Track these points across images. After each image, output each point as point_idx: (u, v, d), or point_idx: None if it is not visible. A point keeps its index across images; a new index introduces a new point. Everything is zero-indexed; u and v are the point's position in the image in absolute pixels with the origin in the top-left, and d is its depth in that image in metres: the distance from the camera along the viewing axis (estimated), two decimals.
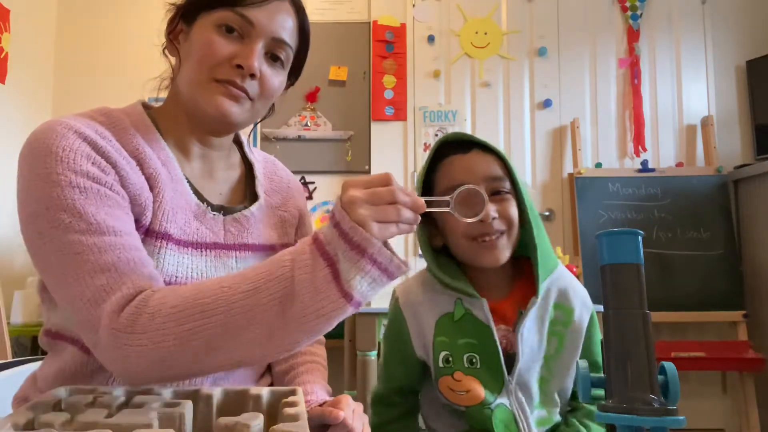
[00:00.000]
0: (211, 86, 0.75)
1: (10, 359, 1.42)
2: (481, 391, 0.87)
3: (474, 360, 0.89)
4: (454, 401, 0.90)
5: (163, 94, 0.87)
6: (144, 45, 2.88)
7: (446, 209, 0.64)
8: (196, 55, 0.75)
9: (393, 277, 0.60)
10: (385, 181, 0.58)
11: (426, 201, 0.60)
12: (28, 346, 2.50)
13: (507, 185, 0.90)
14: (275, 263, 0.61)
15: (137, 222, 0.70)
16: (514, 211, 0.89)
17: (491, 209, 0.86)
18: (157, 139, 0.77)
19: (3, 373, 1.02)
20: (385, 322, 1.92)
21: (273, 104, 0.89)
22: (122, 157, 0.71)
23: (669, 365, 0.53)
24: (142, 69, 2.86)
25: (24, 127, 2.65)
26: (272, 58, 0.79)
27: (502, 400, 0.87)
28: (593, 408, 0.91)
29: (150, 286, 0.64)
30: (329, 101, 2.85)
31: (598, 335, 0.96)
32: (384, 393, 1.00)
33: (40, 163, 0.65)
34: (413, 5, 2.85)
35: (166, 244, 0.73)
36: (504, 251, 0.88)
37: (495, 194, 0.89)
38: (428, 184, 0.94)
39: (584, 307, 0.94)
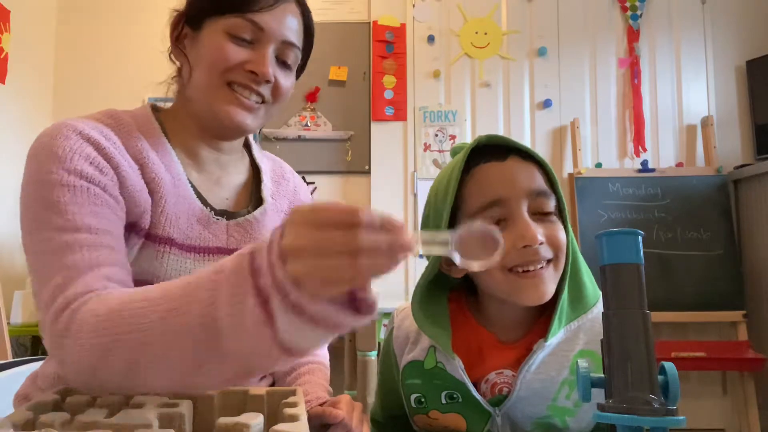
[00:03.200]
0: (224, 93, 0.75)
1: (10, 359, 1.42)
2: (462, 425, 0.75)
3: (455, 395, 0.75)
4: None
5: (169, 94, 0.87)
6: (144, 45, 2.89)
7: (444, 249, 0.44)
8: (208, 61, 0.75)
9: (350, 326, 0.46)
10: (349, 221, 0.40)
11: (423, 239, 0.44)
12: (28, 346, 2.50)
13: (553, 203, 0.72)
14: (202, 280, 0.50)
15: (135, 226, 0.71)
16: (562, 235, 0.71)
17: (538, 232, 0.68)
18: (163, 144, 0.77)
19: (3, 373, 1.02)
20: (385, 322, 1.93)
21: None
22: (125, 160, 0.71)
23: (669, 365, 0.53)
24: (142, 69, 2.87)
25: (24, 127, 2.64)
26: (282, 61, 0.79)
27: (488, 428, 0.75)
28: None
29: (103, 287, 0.60)
30: (329, 101, 2.85)
31: None
32: (380, 414, 0.94)
33: (39, 163, 0.67)
34: (413, 5, 2.85)
35: (169, 248, 0.73)
36: (549, 284, 0.70)
37: (540, 214, 0.71)
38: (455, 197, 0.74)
39: None
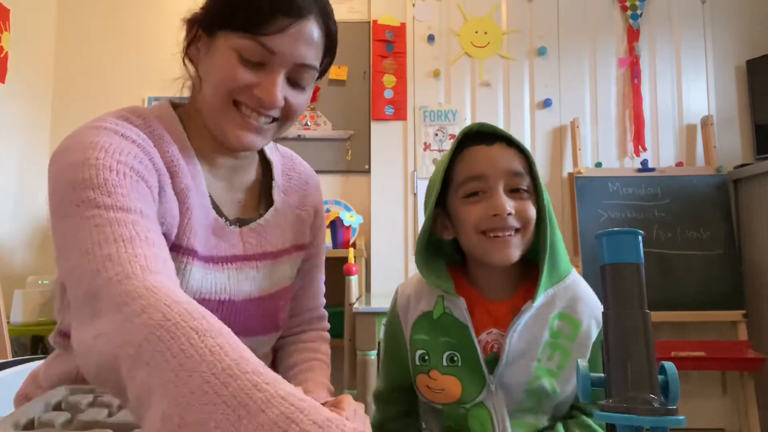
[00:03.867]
0: (232, 114, 0.72)
1: (10, 359, 1.42)
2: (457, 390, 0.85)
3: (455, 358, 0.86)
4: (430, 399, 0.88)
5: (170, 93, 0.84)
6: (144, 45, 2.89)
7: None
8: (215, 79, 0.71)
9: None
10: None
11: None
12: (28, 345, 2.50)
13: (527, 183, 0.85)
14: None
15: (164, 235, 0.67)
16: (531, 211, 0.85)
17: (508, 205, 0.82)
18: (189, 150, 0.75)
19: (3, 372, 1.02)
20: (385, 321, 1.93)
21: None
22: (163, 166, 0.69)
23: (669, 365, 0.53)
24: (143, 69, 2.87)
25: (24, 127, 2.65)
26: (295, 82, 0.75)
27: (482, 400, 0.84)
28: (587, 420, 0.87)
29: (167, 276, 0.55)
30: (329, 101, 2.84)
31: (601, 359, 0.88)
32: (383, 390, 1.00)
33: (81, 153, 0.61)
34: (413, 5, 2.84)
35: (192, 260, 0.72)
36: (515, 250, 0.83)
37: (514, 191, 0.85)
38: (447, 173, 0.89)
39: (595, 322, 0.87)
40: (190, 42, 0.76)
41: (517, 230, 0.84)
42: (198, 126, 0.78)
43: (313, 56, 0.74)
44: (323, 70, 0.81)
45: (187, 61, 0.78)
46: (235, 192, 0.84)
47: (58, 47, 2.92)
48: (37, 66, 2.78)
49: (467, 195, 0.86)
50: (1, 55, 2.46)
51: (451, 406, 0.86)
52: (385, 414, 1.00)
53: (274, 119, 0.75)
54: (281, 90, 0.72)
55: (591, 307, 0.88)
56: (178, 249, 0.70)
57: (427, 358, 0.87)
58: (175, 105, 0.80)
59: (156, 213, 0.65)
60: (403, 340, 0.92)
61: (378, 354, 2.00)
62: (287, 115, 0.76)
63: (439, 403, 0.87)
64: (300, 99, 0.76)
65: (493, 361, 0.84)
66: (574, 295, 0.88)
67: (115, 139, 0.64)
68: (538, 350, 0.84)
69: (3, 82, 2.48)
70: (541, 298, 0.85)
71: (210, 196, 0.77)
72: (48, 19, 2.88)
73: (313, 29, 0.72)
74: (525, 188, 0.85)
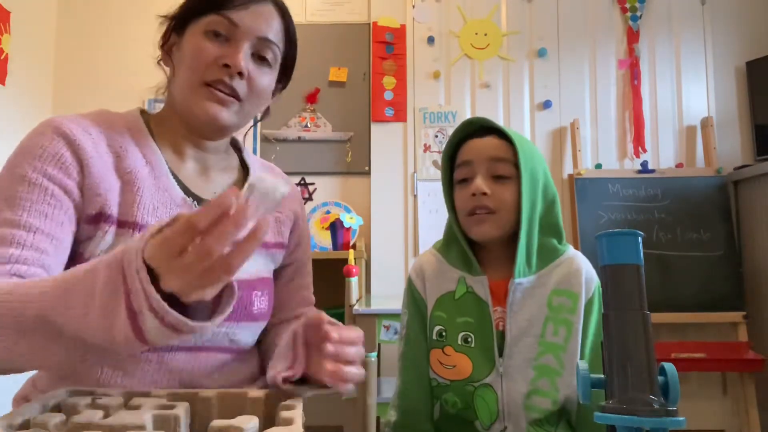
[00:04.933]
0: (201, 91, 0.78)
1: None
2: (468, 368, 0.91)
3: (469, 339, 0.94)
4: (440, 374, 0.94)
5: (161, 95, 0.90)
6: (144, 46, 2.89)
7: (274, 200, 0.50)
8: (187, 61, 0.78)
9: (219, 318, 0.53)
10: (193, 231, 0.47)
11: (255, 202, 0.48)
12: None
13: (508, 169, 0.93)
14: (78, 284, 0.54)
15: (102, 215, 0.73)
16: (507, 194, 0.93)
17: (485, 186, 0.92)
18: (146, 139, 0.81)
19: None
20: (386, 323, 1.92)
21: (268, 107, 0.92)
22: (96, 150, 0.74)
23: (669, 366, 0.53)
24: (142, 70, 2.86)
25: (24, 129, 2.64)
26: (260, 58, 0.81)
27: (490, 382, 0.90)
28: None
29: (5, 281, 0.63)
30: (329, 102, 2.84)
31: (597, 313, 0.94)
32: (406, 413, 0.98)
33: (15, 155, 0.74)
34: (413, 6, 2.85)
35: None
36: (490, 229, 0.93)
37: (498, 178, 0.94)
38: (454, 161, 1.00)
39: (593, 288, 0.94)
40: (164, 44, 0.84)
41: (491, 211, 0.93)
42: (170, 124, 0.84)
43: (273, 35, 0.81)
44: (287, 69, 0.88)
45: (162, 63, 0.86)
46: (213, 184, 0.87)
47: (58, 50, 2.92)
48: (37, 68, 2.79)
49: (459, 181, 0.97)
50: (2, 58, 2.46)
51: (459, 382, 0.92)
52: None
53: (238, 98, 0.79)
54: (245, 58, 0.78)
55: (587, 278, 0.95)
56: (129, 225, 0.75)
57: (444, 334, 0.95)
58: (146, 112, 0.87)
59: (68, 213, 0.72)
60: (426, 310, 0.99)
61: (378, 355, 2.00)
62: (251, 90, 0.80)
63: (448, 378, 0.93)
64: (263, 78, 0.81)
65: (501, 339, 0.92)
66: (568, 271, 0.95)
67: (45, 139, 0.73)
68: (540, 326, 0.92)
69: (3, 84, 2.48)
70: (533, 278, 0.94)
71: (178, 179, 0.81)
72: (48, 22, 2.88)
73: (272, 12, 0.81)
74: (506, 174, 0.93)
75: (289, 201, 0.96)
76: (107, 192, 0.74)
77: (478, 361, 0.92)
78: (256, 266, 0.88)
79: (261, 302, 0.88)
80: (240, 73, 0.77)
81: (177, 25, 0.82)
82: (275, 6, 0.83)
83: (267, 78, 0.83)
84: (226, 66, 0.77)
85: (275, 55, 0.83)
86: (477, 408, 0.90)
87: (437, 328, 0.96)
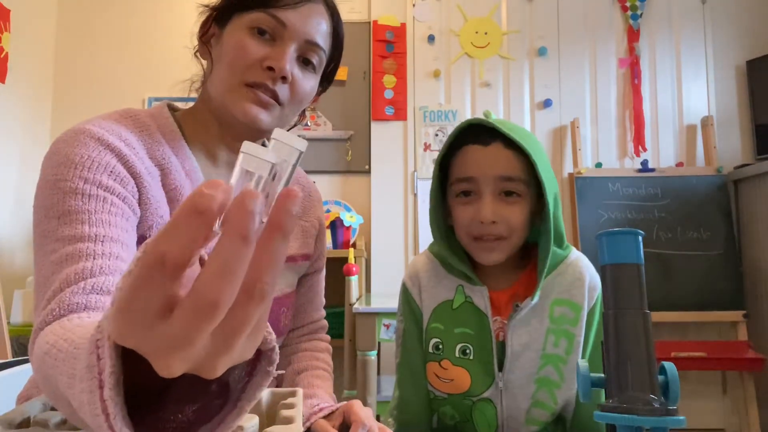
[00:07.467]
0: (242, 91, 0.73)
1: (10, 359, 1.42)
2: (466, 382, 0.86)
3: (468, 351, 0.88)
4: (437, 387, 0.89)
5: (177, 93, 0.86)
6: (144, 45, 2.88)
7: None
8: (228, 58, 0.73)
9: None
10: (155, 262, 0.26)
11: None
12: (27, 345, 2.49)
13: (520, 188, 0.83)
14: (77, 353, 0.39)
15: (145, 237, 0.68)
16: (518, 217, 0.83)
17: (493, 213, 0.82)
18: (183, 148, 0.75)
19: (3, 372, 1.02)
20: (386, 321, 1.93)
21: (304, 111, 0.87)
22: (145, 167, 0.69)
23: (669, 365, 0.53)
24: (143, 69, 2.87)
25: (24, 127, 2.64)
26: (304, 61, 0.76)
27: (489, 396, 0.86)
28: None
29: (84, 302, 0.56)
30: (329, 101, 2.84)
31: (598, 319, 0.90)
32: (404, 400, 0.94)
33: (54, 170, 0.64)
34: (413, 5, 2.84)
35: None
36: (498, 254, 0.85)
37: (506, 195, 0.83)
38: (445, 166, 0.90)
39: (595, 296, 0.88)
40: (203, 37, 0.78)
41: (500, 238, 0.83)
42: (203, 121, 0.78)
43: (321, 38, 0.76)
44: (329, 73, 0.83)
45: (198, 56, 0.80)
46: None
47: (58, 48, 2.92)
48: (37, 66, 2.78)
49: (459, 194, 0.87)
50: (2, 56, 2.46)
51: (457, 396, 0.87)
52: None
53: (280, 102, 0.75)
54: (290, 62, 0.73)
55: (590, 286, 0.88)
56: None
57: (441, 347, 0.89)
58: (173, 108, 0.81)
59: (131, 221, 0.66)
60: (421, 318, 0.92)
61: (378, 353, 2.00)
62: (293, 96, 0.75)
63: (445, 392, 0.88)
64: (307, 84, 0.77)
65: (501, 352, 0.86)
66: (570, 280, 0.88)
67: (89, 149, 0.65)
68: (541, 340, 0.86)
69: (3, 82, 2.48)
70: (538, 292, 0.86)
71: None
72: (48, 20, 2.88)
73: (322, 13, 0.76)
74: (517, 192, 0.83)
75: (315, 208, 0.94)
76: (162, 214, 0.68)
77: (477, 375, 0.86)
78: (286, 281, 0.86)
79: (287, 318, 0.87)
80: (284, 77, 0.72)
81: (219, 16, 0.76)
82: (326, 6, 0.78)
83: (310, 83, 0.78)
84: (270, 69, 0.72)
85: (321, 59, 0.78)
86: (476, 421, 0.87)
87: (434, 341, 0.90)
